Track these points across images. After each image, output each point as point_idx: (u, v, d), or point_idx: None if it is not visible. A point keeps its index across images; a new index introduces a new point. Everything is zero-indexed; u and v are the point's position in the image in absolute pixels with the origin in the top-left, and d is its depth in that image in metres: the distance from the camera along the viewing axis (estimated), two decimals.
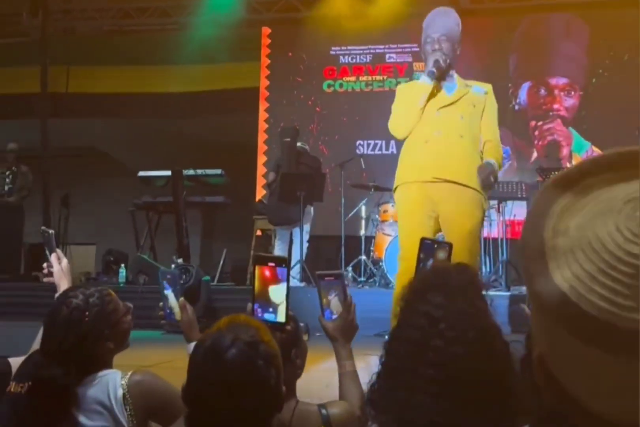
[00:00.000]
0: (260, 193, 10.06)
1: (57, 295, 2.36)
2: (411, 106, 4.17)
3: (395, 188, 4.27)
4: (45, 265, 2.49)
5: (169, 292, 2.31)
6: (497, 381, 1.18)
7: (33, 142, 10.01)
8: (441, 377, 1.20)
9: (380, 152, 10.12)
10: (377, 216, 8.35)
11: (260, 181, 10.23)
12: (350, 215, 8.51)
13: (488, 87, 4.42)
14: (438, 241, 2.18)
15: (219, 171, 8.70)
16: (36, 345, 2.23)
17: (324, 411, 1.88)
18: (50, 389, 1.98)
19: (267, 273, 1.90)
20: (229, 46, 10.41)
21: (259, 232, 9.21)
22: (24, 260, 9.56)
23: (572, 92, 9.85)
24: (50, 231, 2.51)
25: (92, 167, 12.07)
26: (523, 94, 9.98)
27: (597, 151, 9.60)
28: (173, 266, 7.36)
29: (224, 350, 1.48)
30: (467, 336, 1.22)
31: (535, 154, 9.71)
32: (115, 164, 12.05)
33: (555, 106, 9.87)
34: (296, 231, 8.04)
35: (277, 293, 1.92)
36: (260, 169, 10.35)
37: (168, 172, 8.45)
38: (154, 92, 11.00)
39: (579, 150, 9.65)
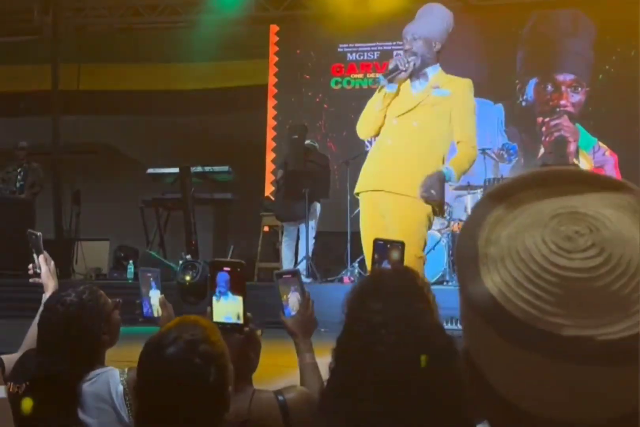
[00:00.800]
0: (269, 189, 10.13)
1: (45, 295, 2.46)
2: (371, 109, 4.21)
3: (356, 194, 4.32)
4: (30, 266, 2.58)
5: (153, 291, 2.40)
6: (444, 381, 1.20)
7: (44, 139, 10.11)
8: (387, 383, 1.22)
9: None
10: None
11: (269, 178, 10.30)
12: (356, 211, 8.55)
13: (459, 86, 4.21)
14: (390, 241, 2.21)
15: (226, 168, 8.77)
16: (28, 344, 2.30)
17: (280, 397, 1.93)
18: (54, 386, 2.06)
19: (227, 277, 1.97)
20: (237, 44, 10.48)
21: (266, 229, 9.28)
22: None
23: (579, 88, 9.86)
24: (38, 233, 2.60)
25: (104, 164, 12.15)
26: (530, 91, 9.99)
27: (603, 147, 9.62)
28: (181, 262, 7.46)
29: (164, 347, 1.54)
30: (407, 340, 1.24)
31: (542, 150, 9.72)
32: (126, 160, 12.13)
33: (562, 102, 9.88)
34: (303, 227, 8.11)
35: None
36: (269, 166, 10.41)
37: (176, 169, 8.53)
38: (164, 89, 11.08)
39: (586, 147, 9.66)
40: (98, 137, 11.91)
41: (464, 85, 4.22)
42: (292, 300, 2.18)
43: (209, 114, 11.02)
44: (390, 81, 4.08)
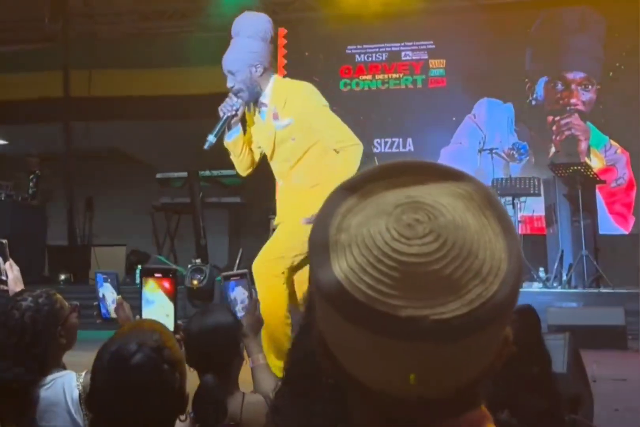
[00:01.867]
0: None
1: None
2: (233, 157, 4.05)
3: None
4: None
5: (107, 292, 2.41)
6: None
7: (56, 145, 10.19)
8: (341, 384, 1.24)
9: (397, 150, 10.15)
10: None
11: None
12: None
13: (297, 102, 3.78)
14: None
15: (233, 172, 8.76)
16: None
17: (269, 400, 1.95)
18: (9, 391, 2.06)
19: (155, 284, 1.97)
20: None
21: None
22: (47, 262, 9.73)
23: (589, 86, 9.79)
24: (4, 241, 2.61)
25: (115, 170, 12.23)
26: (540, 89, 9.94)
27: (615, 145, 9.54)
28: (189, 266, 7.49)
29: (129, 355, 1.51)
30: None
31: (553, 149, 9.66)
32: (137, 166, 12.20)
33: (573, 101, 9.82)
34: None
35: (165, 304, 2.01)
36: None
37: (185, 174, 8.56)
38: (174, 94, 11.11)
39: (597, 145, 9.59)
40: (109, 142, 11.98)
41: (301, 97, 3.82)
42: (239, 300, 2.20)
43: (218, 118, 11.04)
44: (229, 128, 3.84)
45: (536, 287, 7.70)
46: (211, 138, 3.74)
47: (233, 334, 2.11)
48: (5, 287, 2.56)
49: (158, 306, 2.17)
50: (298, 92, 3.84)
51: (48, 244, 9.62)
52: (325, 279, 0.68)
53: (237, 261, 8.47)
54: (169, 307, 2.17)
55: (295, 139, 3.81)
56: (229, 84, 3.75)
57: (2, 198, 8.60)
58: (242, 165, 4.03)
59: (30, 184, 9.33)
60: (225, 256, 10.57)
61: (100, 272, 2.54)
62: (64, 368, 2.26)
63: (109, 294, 2.46)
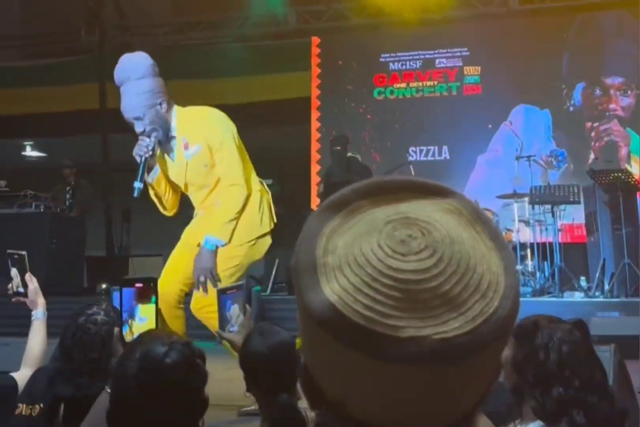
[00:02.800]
0: (315, 202, 10.12)
1: (35, 312, 2.50)
2: (156, 200, 4.08)
3: None
4: (9, 286, 2.63)
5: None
6: None
7: (94, 157, 10.29)
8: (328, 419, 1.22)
9: (433, 158, 10.09)
10: None
11: (315, 190, 10.29)
12: None
13: (201, 129, 3.84)
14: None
15: (270, 181, 8.76)
16: (31, 362, 2.31)
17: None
18: (89, 406, 2.06)
19: (137, 294, 1.96)
20: (279, 57, 10.53)
21: None
22: (86, 273, 9.81)
23: (629, 91, 9.64)
24: (22, 253, 2.64)
25: None
26: (577, 95, 9.80)
27: None
28: None
29: (162, 355, 1.49)
30: None
31: (592, 156, 9.51)
32: None
33: (612, 106, 9.67)
34: None
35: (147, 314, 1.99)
36: (314, 178, 10.41)
37: None
38: (209, 104, 11.13)
39: (638, 151, 9.42)
40: None
41: (207, 122, 3.87)
42: (234, 313, 2.18)
43: (253, 127, 11.05)
44: (149, 170, 3.82)
45: (578, 296, 7.57)
46: (137, 184, 3.71)
47: (296, 350, 2.09)
48: (24, 299, 2.59)
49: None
50: (204, 117, 3.89)
51: (86, 255, 9.69)
52: (316, 302, 0.64)
53: (274, 271, 8.47)
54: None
55: (207, 165, 3.84)
56: (138, 129, 3.75)
57: (42, 210, 8.68)
58: (168, 205, 4.06)
59: (67, 195, 9.42)
60: (262, 265, 10.56)
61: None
62: None
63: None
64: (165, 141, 3.83)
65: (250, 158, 4.16)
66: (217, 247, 3.79)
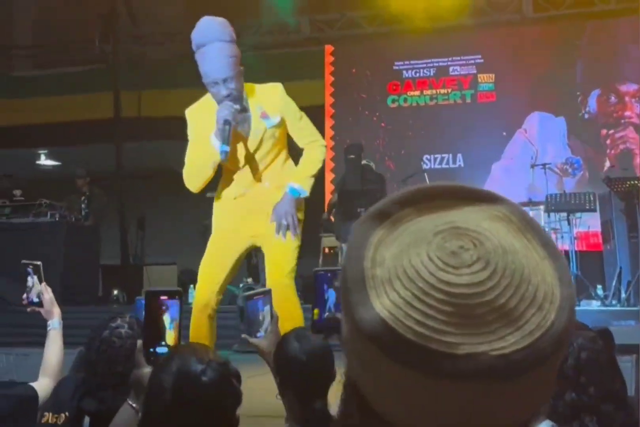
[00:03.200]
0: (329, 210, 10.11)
1: (51, 322, 2.50)
2: (207, 159, 3.73)
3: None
4: (24, 296, 2.63)
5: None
6: None
7: (108, 166, 10.33)
8: None
9: (447, 166, 10.07)
10: None
11: (329, 198, 10.28)
12: None
13: (276, 100, 3.78)
14: (331, 270, 2.14)
15: None
16: (50, 372, 2.31)
17: None
18: (111, 418, 2.06)
19: (162, 306, 1.95)
20: (293, 65, 10.54)
21: (326, 250, 9.25)
22: (101, 282, 9.83)
23: None
24: (38, 263, 2.64)
25: (167, 189, 12.31)
26: (592, 102, 9.76)
27: None
28: (241, 285, 7.48)
29: (199, 373, 1.47)
30: None
31: (607, 163, 9.46)
32: None
33: (627, 113, 9.63)
34: None
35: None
36: (328, 186, 10.40)
37: None
38: None
39: None
40: (159, 162, 12.09)
41: (281, 96, 3.79)
42: (263, 320, 2.17)
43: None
44: (224, 144, 3.59)
45: (595, 305, 7.51)
46: (224, 148, 3.56)
47: (331, 357, 2.08)
48: (39, 309, 2.60)
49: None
50: (277, 91, 3.81)
51: (101, 264, 9.71)
52: (366, 317, 0.62)
53: None
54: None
55: (277, 138, 3.80)
56: (223, 93, 3.59)
57: (57, 219, 8.70)
58: (206, 179, 3.83)
59: (83, 205, 9.43)
60: None
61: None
62: None
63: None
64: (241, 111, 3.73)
65: None
66: (299, 197, 3.71)
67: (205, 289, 3.77)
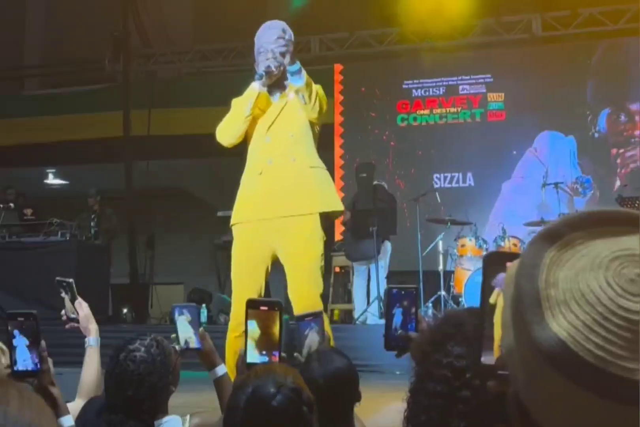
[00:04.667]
0: (339, 229, 10.08)
1: (88, 339, 2.47)
2: (238, 112, 3.85)
3: (232, 226, 3.96)
4: (63, 312, 2.59)
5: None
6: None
7: (118, 184, 10.34)
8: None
9: (457, 185, 10.05)
10: (455, 251, 8.27)
11: (340, 217, 10.27)
12: (428, 250, 8.44)
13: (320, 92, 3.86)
14: (404, 287, 2.11)
15: None
16: (85, 392, 2.29)
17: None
18: None
19: (263, 316, 1.94)
20: None
21: (337, 269, 9.22)
22: (111, 302, 9.80)
23: None
24: (70, 280, 2.61)
25: (176, 207, 12.35)
26: (602, 122, 9.76)
27: None
28: None
29: (269, 397, 1.47)
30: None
31: (618, 183, 9.45)
32: (198, 204, 12.30)
33: (637, 132, 9.63)
34: (374, 267, 8.03)
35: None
36: None
37: None
38: None
39: None
40: (170, 181, 12.13)
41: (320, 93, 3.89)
42: (310, 341, 2.16)
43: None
44: (260, 81, 3.77)
45: None
46: (259, 76, 3.75)
47: (354, 378, 2.06)
48: (76, 326, 2.55)
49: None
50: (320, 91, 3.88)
51: (111, 283, 9.69)
52: (544, 337, 0.64)
53: None
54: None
55: (305, 117, 3.82)
56: (269, 55, 3.75)
57: (67, 238, 8.70)
58: (241, 130, 3.87)
59: (92, 223, 9.44)
60: (283, 293, 10.52)
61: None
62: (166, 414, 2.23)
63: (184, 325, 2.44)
64: (277, 84, 3.86)
65: None
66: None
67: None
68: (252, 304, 1.95)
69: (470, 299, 7.56)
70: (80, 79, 12.27)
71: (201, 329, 2.37)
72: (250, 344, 1.93)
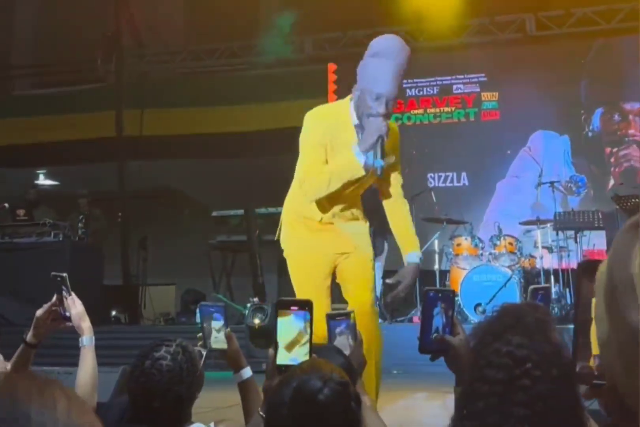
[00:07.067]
0: None
1: (82, 339, 2.39)
2: (347, 170, 3.47)
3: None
4: (60, 310, 2.47)
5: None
6: (577, 416, 1.25)
7: (109, 185, 10.28)
8: (531, 415, 1.23)
9: (451, 184, 10.04)
10: (450, 250, 8.25)
11: None
12: (423, 249, 8.36)
13: (394, 137, 3.72)
14: (441, 290, 2.09)
15: None
16: (82, 394, 2.24)
17: None
18: None
19: (294, 317, 1.90)
20: (296, 84, 10.55)
21: None
22: (103, 302, 9.71)
23: None
24: (63, 275, 2.49)
25: (169, 208, 12.29)
26: (596, 121, 9.78)
27: None
28: (249, 304, 7.41)
29: (316, 391, 1.45)
30: (551, 374, 1.27)
31: (612, 181, 9.46)
32: (191, 204, 12.25)
33: (631, 131, 9.64)
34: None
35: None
36: None
37: (241, 211, 8.55)
38: (226, 132, 11.16)
39: None
40: (162, 181, 12.06)
41: (396, 136, 3.74)
42: (340, 341, 2.13)
43: (271, 155, 11.05)
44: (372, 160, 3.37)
45: None
46: (379, 162, 3.33)
47: (351, 377, 2.03)
48: (69, 324, 2.44)
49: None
50: (396, 131, 3.83)
51: (103, 284, 9.62)
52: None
53: None
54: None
55: (374, 175, 3.65)
56: (382, 111, 3.38)
57: (61, 239, 8.64)
58: (334, 191, 3.55)
59: (80, 224, 9.35)
60: (283, 295, 10.48)
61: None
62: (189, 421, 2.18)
63: (216, 324, 2.37)
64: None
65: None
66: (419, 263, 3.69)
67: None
68: (282, 305, 1.91)
69: (466, 298, 7.55)
70: (73, 79, 12.20)
71: (228, 329, 2.33)
72: (280, 345, 1.90)
